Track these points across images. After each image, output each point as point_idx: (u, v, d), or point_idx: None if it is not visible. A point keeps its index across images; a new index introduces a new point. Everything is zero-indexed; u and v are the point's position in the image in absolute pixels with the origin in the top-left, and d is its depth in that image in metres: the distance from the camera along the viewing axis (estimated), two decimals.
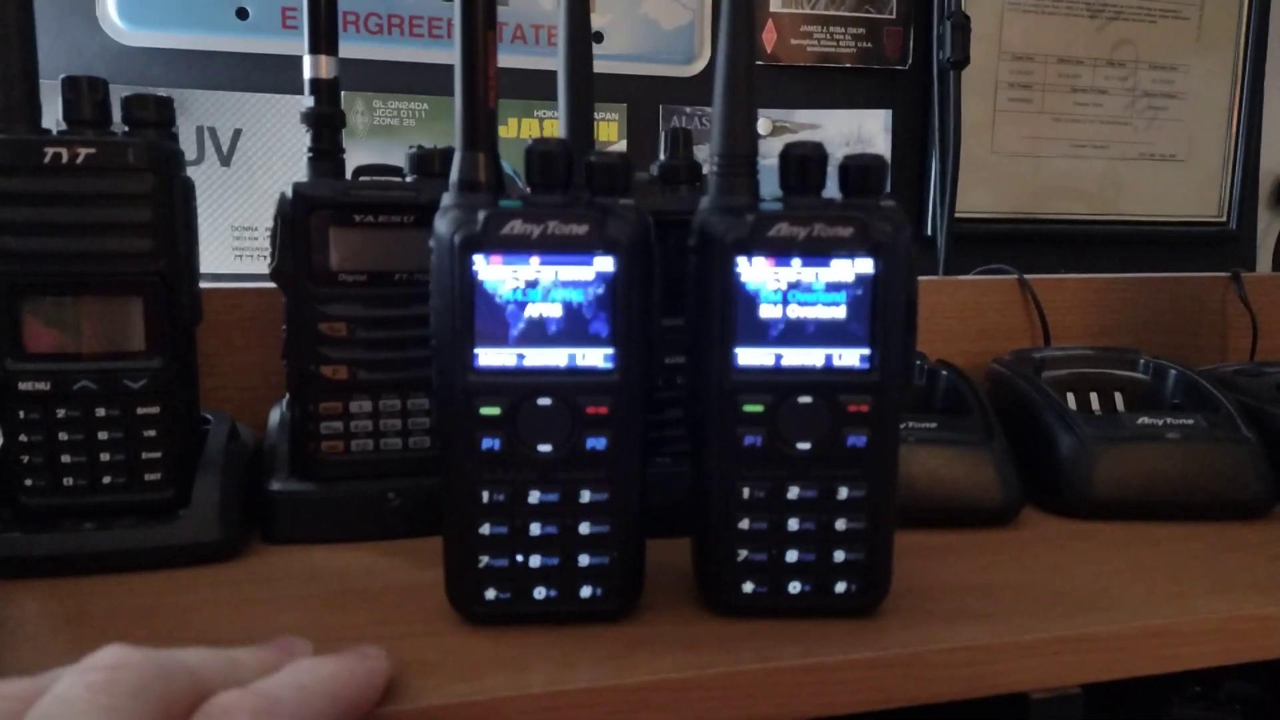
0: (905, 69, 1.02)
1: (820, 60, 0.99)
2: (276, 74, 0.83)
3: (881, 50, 1.00)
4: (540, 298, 0.39)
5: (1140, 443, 0.57)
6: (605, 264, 0.39)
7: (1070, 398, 0.64)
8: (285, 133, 0.82)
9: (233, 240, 0.82)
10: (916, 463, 0.54)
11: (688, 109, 0.94)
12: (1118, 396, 0.67)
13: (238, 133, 0.82)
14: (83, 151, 0.45)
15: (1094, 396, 0.66)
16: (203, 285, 0.51)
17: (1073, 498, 0.57)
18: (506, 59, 0.93)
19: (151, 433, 0.47)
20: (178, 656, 0.30)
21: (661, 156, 0.56)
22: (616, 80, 0.92)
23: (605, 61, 0.92)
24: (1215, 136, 1.12)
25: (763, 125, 0.92)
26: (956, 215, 0.95)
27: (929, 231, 1.01)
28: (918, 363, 0.66)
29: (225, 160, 0.81)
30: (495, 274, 0.38)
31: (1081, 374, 0.67)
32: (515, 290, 0.39)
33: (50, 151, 0.45)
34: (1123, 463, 0.56)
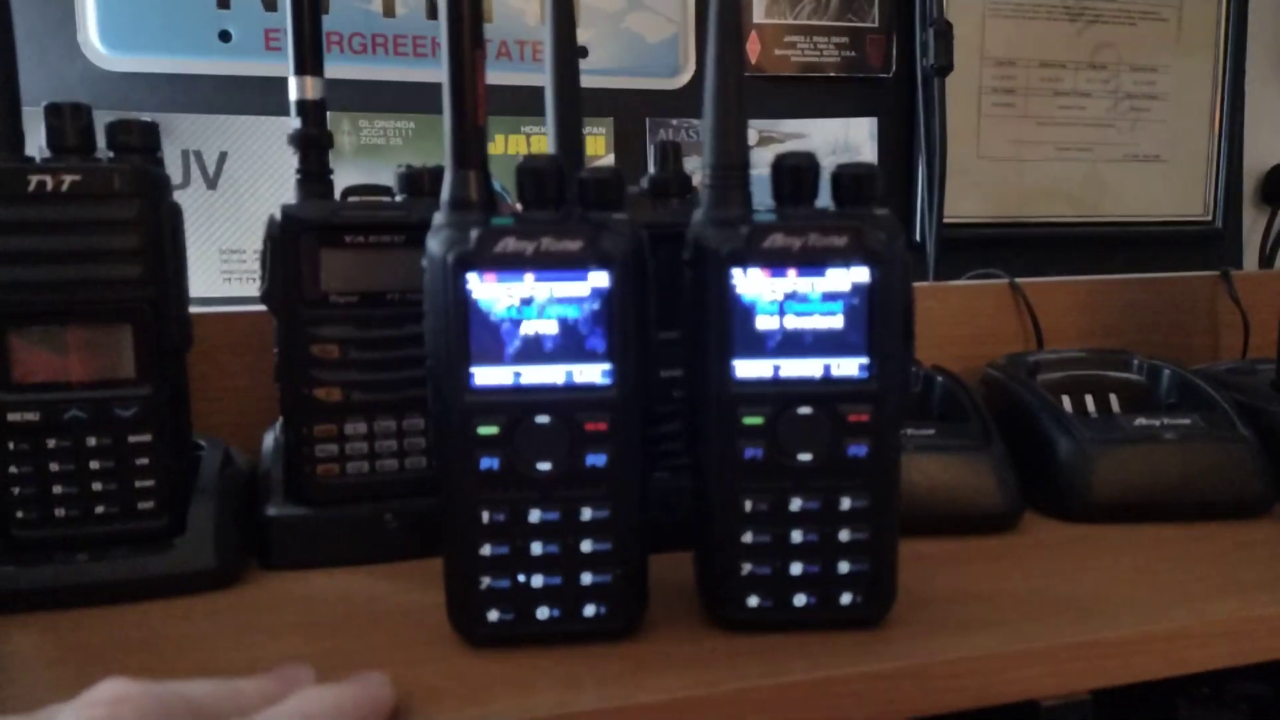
0: (889, 77, 1.02)
1: (804, 70, 1.00)
2: (261, 96, 0.82)
3: (865, 59, 1.00)
4: (535, 315, 0.38)
5: (1138, 444, 0.57)
6: (600, 279, 0.38)
7: (1065, 400, 0.64)
8: (271, 155, 0.82)
9: (220, 264, 0.81)
10: (916, 470, 0.54)
11: (674, 121, 0.94)
12: (1113, 398, 0.67)
13: (223, 155, 0.81)
14: (68, 179, 0.45)
15: (1089, 399, 0.66)
16: (192, 309, 0.50)
17: (1073, 501, 0.57)
18: (492, 76, 0.92)
19: (144, 461, 0.47)
20: (178, 689, 0.29)
21: (651, 170, 0.56)
22: (602, 94, 0.92)
23: (590, 76, 0.92)
24: (1198, 136, 1.12)
25: (749, 136, 0.92)
26: (944, 221, 0.96)
27: (918, 238, 1.01)
28: (913, 369, 0.66)
29: (211, 184, 0.81)
30: (489, 292, 0.38)
31: (1076, 376, 0.67)
32: (510, 308, 0.38)
33: (35, 179, 0.44)
34: (1122, 465, 0.56)
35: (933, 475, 0.55)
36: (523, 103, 0.83)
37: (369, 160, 0.83)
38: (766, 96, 0.98)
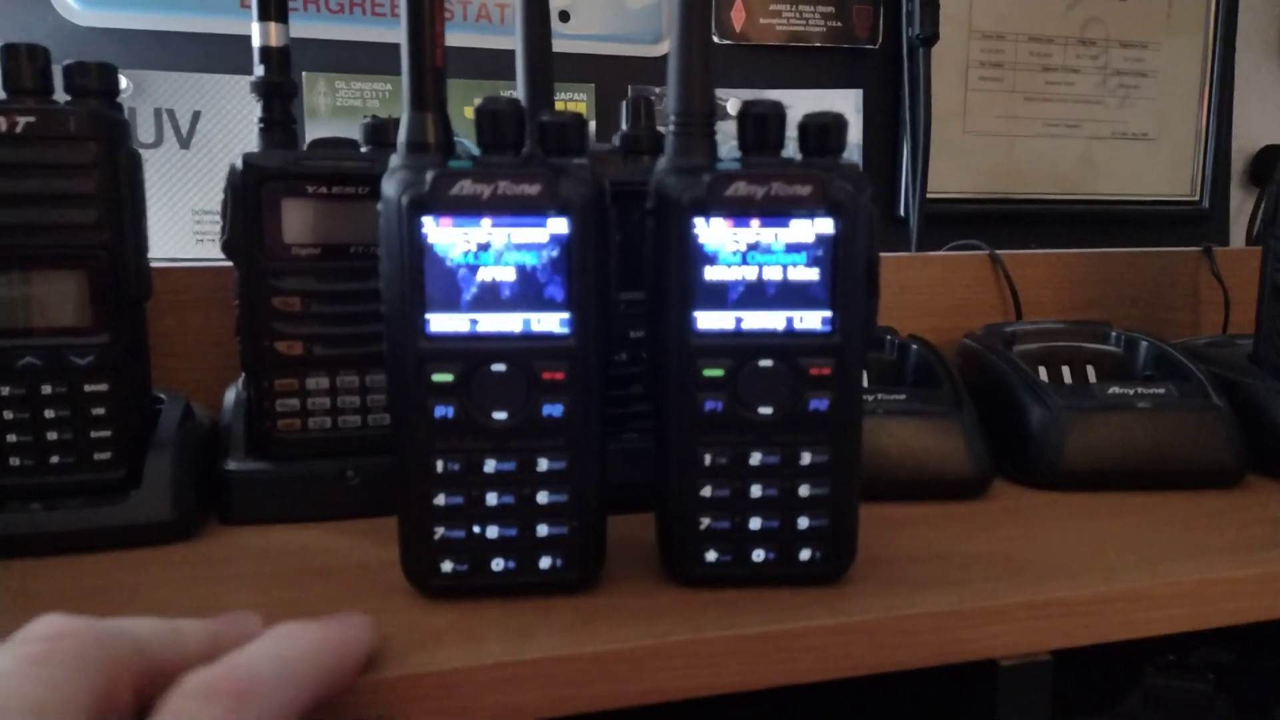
0: (876, 48, 1.01)
1: (789, 39, 0.98)
2: (236, 54, 0.81)
3: (852, 29, 0.99)
4: (493, 261, 0.38)
5: (1111, 412, 0.57)
6: (559, 225, 0.38)
7: (1042, 371, 0.64)
8: (246, 114, 0.80)
9: (193, 224, 0.80)
10: (885, 434, 0.53)
11: (657, 89, 0.93)
12: (1089, 369, 0.66)
13: (197, 115, 0.80)
14: (22, 120, 0.44)
15: (1065, 370, 0.66)
16: (157, 264, 0.50)
17: (1043, 469, 0.56)
18: (471, 39, 0.91)
19: (100, 411, 0.46)
20: (119, 625, 0.29)
21: (623, 126, 0.55)
22: (584, 60, 0.90)
23: (572, 41, 0.91)
24: (1187, 115, 1.11)
25: (732, 106, 0.91)
26: (929, 196, 0.95)
27: (901, 212, 1.00)
28: (888, 338, 0.65)
29: (184, 143, 0.80)
30: (445, 237, 0.37)
31: (1053, 347, 0.66)
32: (466, 253, 0.38)
33: None
34: (1093, 432, 0.56)
35: (902, 440, 0.54)
36: (501, 67, 0.82)
37: (345, 122, 0.82)
38: (749, 65, 0.97)
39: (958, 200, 1.04)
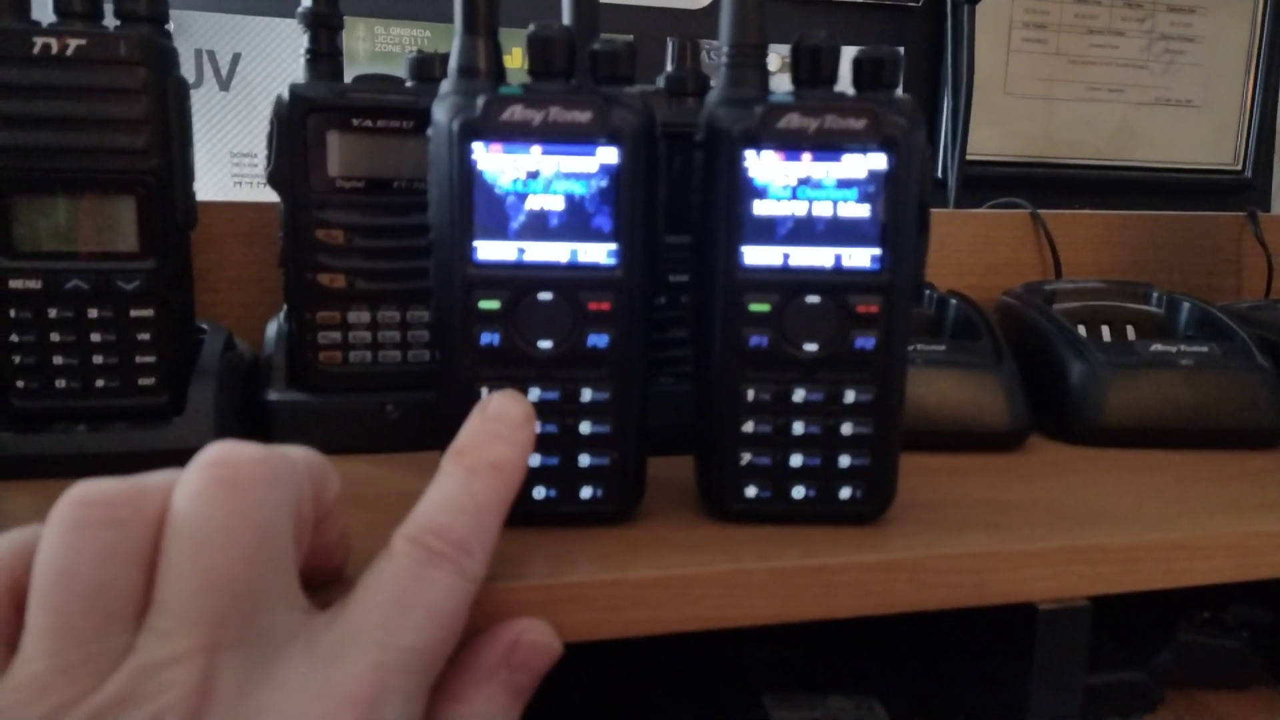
0: (918, 5, 0.99)
1: None
2: None
3: None
4: (541, 189, 0.38)
5: (1153, 369, 0.56)
6: (609, 155, 0.37)
7: (1081, 329, 0.63)
8: (286, 57, 0.80)
9: (232, 167, 0.80)
10: (924, 384, 0.53)
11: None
12: (1129, 329, 0.65)
13: (237, 57, 0.80)
14: (73, 43, 0.44)
15: (1105, 329, 0.65)
16: (201, 201, 0.50)
17: (1083, 424, 0.56)
18: None
19: (145, 336, 0.47)
20: (287, 450, 0.29)
21: (668, 67, 0.54)
22: (623, 11, 0.90)
23: None
24: (1233, 83, 1.09)
25: (773, 61, 0.90)
26: (968, 157, 0.94)
27: (940, 173, 0.99)
28: (927, 292, 0.65)
29: (224, 85, 0.80)
30: (495, 164, 0.37)
31: (1093, 306, 0.66)
32: (516, 181, 0.37)
33: (40, 42, 0.43)
34: (1134, 389, 0.55)
35: (941, 391, 0.54)
36: (543, 13, 0.81)
37: (384, 67, 0.81)
38: (790, 20, 0.96)
39: (996, 163, 1.03)
